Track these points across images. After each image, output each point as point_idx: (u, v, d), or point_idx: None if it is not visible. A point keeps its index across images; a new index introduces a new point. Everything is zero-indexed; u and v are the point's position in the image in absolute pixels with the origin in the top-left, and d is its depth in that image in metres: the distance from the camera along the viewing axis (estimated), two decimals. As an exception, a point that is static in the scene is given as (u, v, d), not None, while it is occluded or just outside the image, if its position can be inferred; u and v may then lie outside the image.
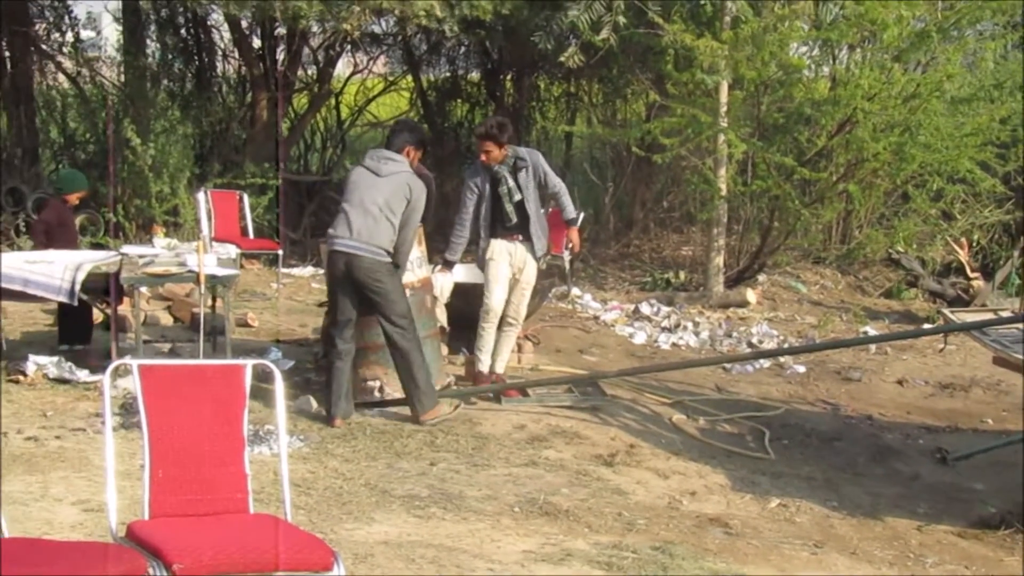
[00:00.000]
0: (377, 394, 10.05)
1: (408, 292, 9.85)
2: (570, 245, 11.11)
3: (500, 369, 10.75)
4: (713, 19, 15.36)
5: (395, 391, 10.04)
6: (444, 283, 10.55)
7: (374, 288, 9.55)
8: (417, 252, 10.15)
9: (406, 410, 9.92)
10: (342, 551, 6.05)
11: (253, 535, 5.20)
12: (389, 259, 9.61)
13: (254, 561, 4.95)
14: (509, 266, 10.42)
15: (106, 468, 5.40)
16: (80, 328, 11.53)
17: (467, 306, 10.65)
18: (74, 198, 12.08)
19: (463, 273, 10.96)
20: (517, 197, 10.30)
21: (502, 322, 10.63)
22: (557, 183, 10.60)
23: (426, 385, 9.71)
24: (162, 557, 4.84)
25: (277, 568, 4.99)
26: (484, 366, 10.62)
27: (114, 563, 4.80)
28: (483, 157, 10.30)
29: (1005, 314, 10.43)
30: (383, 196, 9.56)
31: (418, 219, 9.80)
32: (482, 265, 10.52)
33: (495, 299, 10.45)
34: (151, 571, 4.81)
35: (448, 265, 10.62)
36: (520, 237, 10.40)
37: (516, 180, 10.31)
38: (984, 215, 18.13)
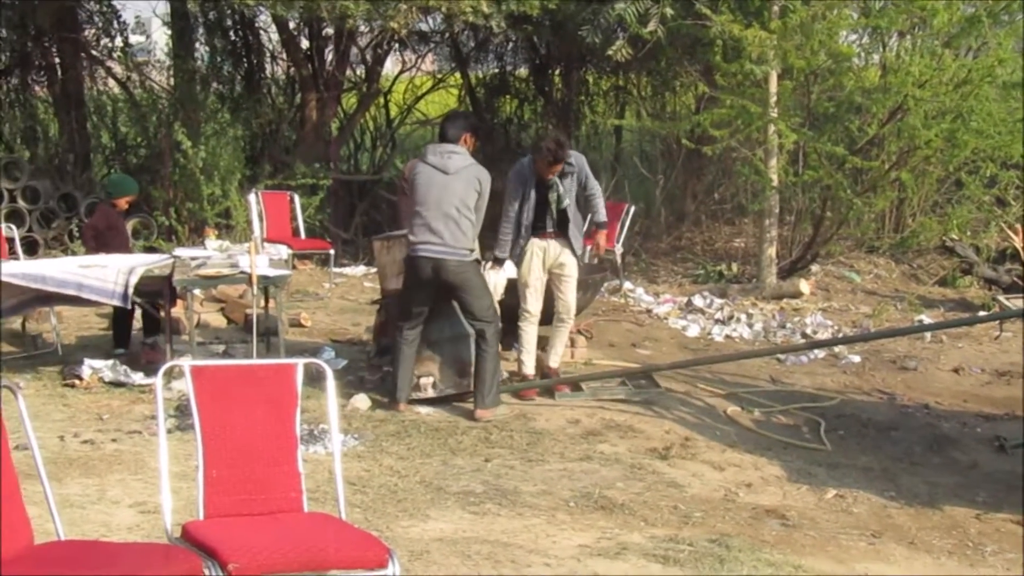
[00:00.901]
0: (431, 391, 10.07)
1: None
2: (594, 249, 11.09)
3: (555, 364, 10.75)
4: (761, 9, 15.28)
5: (448, 387, 10.08)
6: (497, 280, 10.53)
7: (464, 287, 9.75)
8: None
9: (460, 407, 9.97)
10: (398, 548, 6.05)
11: (307, 533, 5.21)
12: (472, 256, 9.78)
13: (309, 559, 4.96)
14: (542, 263, 10.43)
15: (160, 469, 5.44)
16: (150, 325, 11.63)
17: (519, 303, 10.64)
18: (123, 202, 12.10)
19: (514, 269, 10.94)
20: (565, 203, 10.30)
21: (553, 318, 10.63)
22: (595, 187, 10.63)
23: (494, 383, 9.83)
24: (217, 557, 4.86)
25: (332, 566, 5.00)
26: (528, 368, 10.64)
27: (170, 563, 4.83)
28: (548, 175, 10.24)
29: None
30: (458, 196, 9.63)
31: (484, 208, 9.86)
32: (518, 264, 10.54)
33: (532, 302, 10.49)
34: (207, 571, 4.84)
35: (499, 262, 10.59)
36: (546, 234, 10.41)
37: (564, 186, 10.32)
38: (1039, 201, 17.98)
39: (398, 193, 12.07)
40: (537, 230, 10.38)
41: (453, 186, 9.63)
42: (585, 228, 11.11)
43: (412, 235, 9.71)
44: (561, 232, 10.41)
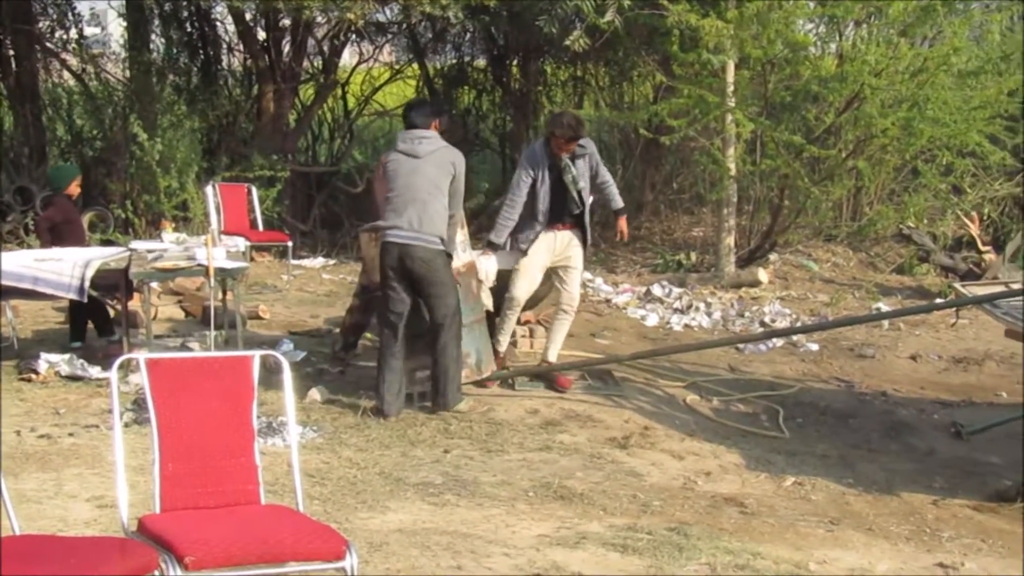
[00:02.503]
0: (427, 383, 9.93)
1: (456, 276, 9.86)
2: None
3: (553, 357, 10.71)
4: (718, -1, 15.32)
5: None
6: (489, 267, 10.37)
7: (429, 278, 9.48)
8: (461, 236, 10.06)
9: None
10: (357, 540, 6.06)
11: (264, 526, 5.19)
12: (442, 247, 9.51)
13: (266, 552, 4.95)
14: (549, 255, 10.33)
15: (116, 463, 5.40)
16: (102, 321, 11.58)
17: (502, 292, 10.58)
18: (74, 188, 12.02)
19: (504, 259, 10.80)
20: (581, 184, 10.21)
21: (557, 309, 10.60)
22: (607, 174, 10.63)
23: (455, 381, 9.69)
24: (174, 550, 4.84)
25: (289, 558, 4.98)
26: (502, 347, 10.60)
27: (126, 557, 4.81)
28: (565, 152, 10.12)
29: (1016, 287, 10.40)
30: (429, 178, 9.47)
31: (462, 189, 9.69)
32: (526, 250, 10.37)
33: (520, 289, 10.35)
34: (163, 564, 4.82)
35: (492, 247, 10.36)
36: (561, 226, 10.29)
37: (575, 167, 10.22)
38: (994, 188, 18.07)
39: (374, 181, 11.87)
40: (553, 218, 10.26)
41: (423, 169, 9.47)
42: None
43: (384, 221, 9.56)
44: (576, 223, 10.34)
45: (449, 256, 9.65)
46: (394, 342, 9.63)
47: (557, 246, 10.36)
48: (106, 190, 17.52)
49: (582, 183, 10.23)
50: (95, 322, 11.60)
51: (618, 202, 10.73)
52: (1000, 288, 10.44)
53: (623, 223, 10.91)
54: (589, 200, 10.40)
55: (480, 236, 10.81)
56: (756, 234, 17.52)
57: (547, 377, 10.58)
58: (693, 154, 17.92)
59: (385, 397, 9.57)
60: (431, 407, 9.71)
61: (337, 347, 11.14)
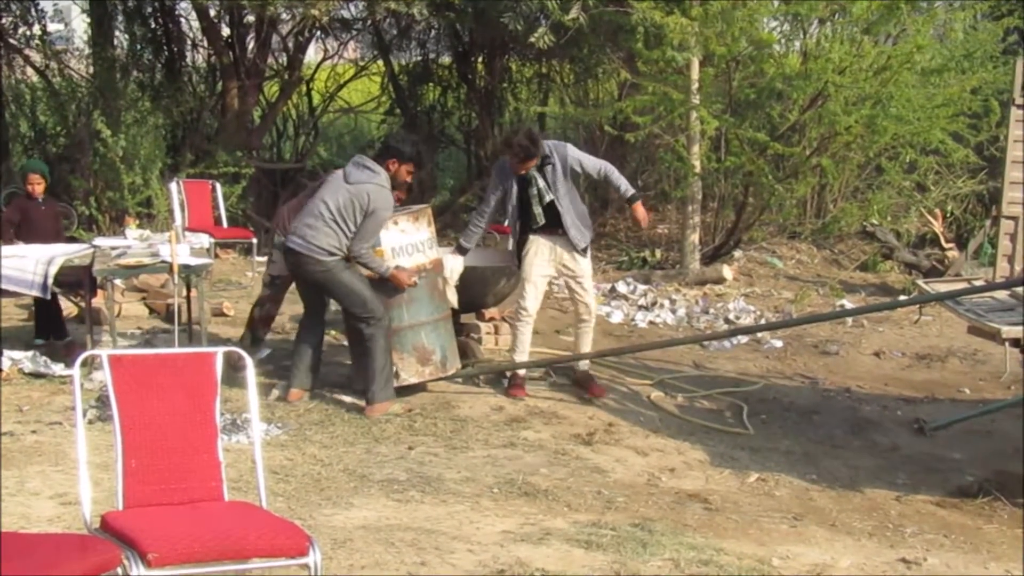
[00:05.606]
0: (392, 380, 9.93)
1: (421, 273, 9.87)
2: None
3: (584, 365, 10.62)
4: (682, -5, 15.33)
5: (410, 376, 9.96)
6: (454, 265, 10.35)
7: (327, 289, 9.69)
8: (427, 233, 10.04)
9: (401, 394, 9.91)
10: (321, 536, 6.05)
11: (227, 522, 5.18)
12: (329, 257, 9.46)
13: (229, 548, 4.93)
14: (547, 260, 10.20)
15: (79, 460, 5.38)
16: (54, 321, 11.50)
17: (466, 290, 10.57)
18: (34, 186, 11.83)
19: (474, 257, 10.71)
20: (548, 198, 10.01)
21: (576, 319, 10.54)
22: (600, 168, 10.29)
23: (382, 378, 9.60)
24: (136, 547, 4.82)
25: (252, 554, 4.98)
26: (520, 370, 10.45)
27: (88, 554, 4.78)
28: (522, 171, 10.01)
29: (978, 283, 10.45)
30: (337, 203, 9.43)
31: (375, 230, 9.56)
32: (521, 261, 10.31)
33: (530, 299, 10.23)
34: (126, 561, 4.80)
35: (461, 250, 10.40)
36: (555, 232, 10.15)
37: (545, 179, 10.06)
38: (957, 186, 18.18)
39: None
40: (530, 227, 10.17)
41: (340, 192, 9.47)
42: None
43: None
44: (562, 229, 10.14)
45: (347, 260, 9.57)
46: (300, 331, 10.06)
47: (556, 252, 10.21)
48: (70, 187, 17.42)
49: (549, 196, 10.01)
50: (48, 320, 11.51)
51: (626, 190, 10.31)
52: (963, 285, 10.48)
53: (637, 210, 10.39)
54: (566, 209, 10.10)
55: (445, 233, 10.74)
56: (721, 231, 17.57)
57: (582, 384, 10.50)
58: (658, 151, 17.95)
59: (296, 375, 9.89)
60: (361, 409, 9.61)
61: (246, 343, 11.00)
